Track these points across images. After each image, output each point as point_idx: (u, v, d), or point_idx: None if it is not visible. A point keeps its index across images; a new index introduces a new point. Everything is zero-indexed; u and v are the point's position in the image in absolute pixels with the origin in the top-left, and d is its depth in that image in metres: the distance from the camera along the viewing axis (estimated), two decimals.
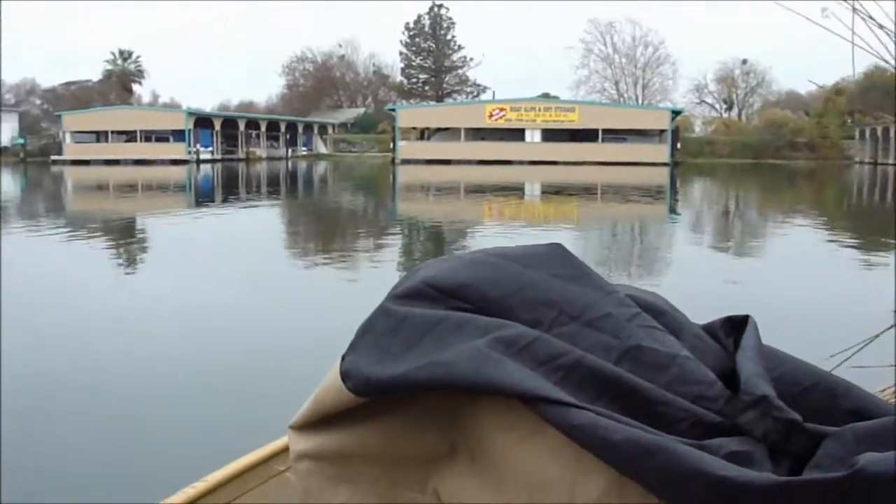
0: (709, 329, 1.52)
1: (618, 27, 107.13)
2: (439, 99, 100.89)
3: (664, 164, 69.22)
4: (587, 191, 37.06)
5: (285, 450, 1.77)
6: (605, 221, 22.65)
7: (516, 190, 38.68)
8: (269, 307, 10.37)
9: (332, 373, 1.43)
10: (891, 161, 76.94)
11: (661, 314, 1.47)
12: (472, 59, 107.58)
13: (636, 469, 1.18)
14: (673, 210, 28.12)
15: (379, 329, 1.41)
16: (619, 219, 23.81)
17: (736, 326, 1.50)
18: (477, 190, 37.22)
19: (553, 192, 36.72)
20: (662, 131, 74.75)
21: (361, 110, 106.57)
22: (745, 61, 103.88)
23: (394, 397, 1.37)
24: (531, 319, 1.37)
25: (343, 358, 1.43)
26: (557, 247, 1.52)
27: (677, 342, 1.40)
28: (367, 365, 1.36)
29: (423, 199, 32.87)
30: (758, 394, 1.27)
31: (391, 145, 76.59)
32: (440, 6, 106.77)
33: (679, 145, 75.58)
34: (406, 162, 70.56)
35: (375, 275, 12.93)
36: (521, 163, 69.38)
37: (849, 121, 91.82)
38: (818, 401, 1.37)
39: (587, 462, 1.21)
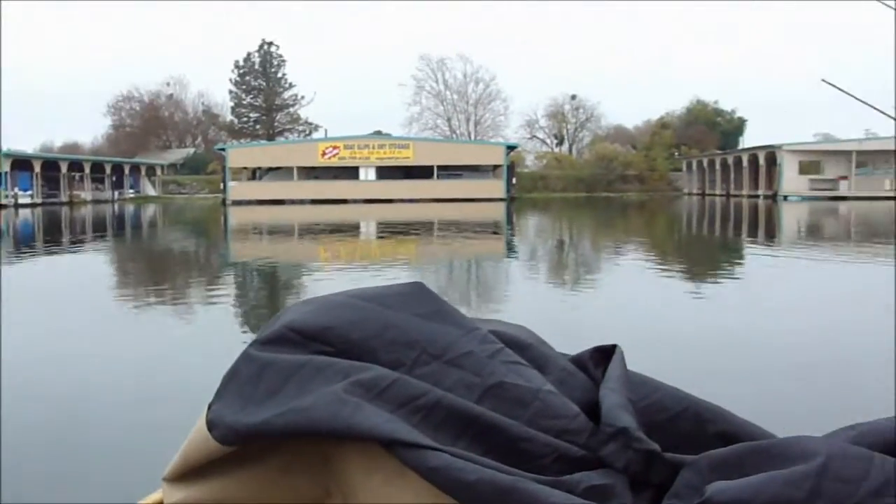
0: (577, 360, 1.54)
1: (449, 64, 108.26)
2: (271, 138, 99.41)
3: (500, 200, 69.61)
4: (424, 228, 36.40)
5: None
6: (443, 259, 21.88)
7: (352, 229, 37.70)
8: (99, 354, 9.27)
9: (199, 422, 1.43)
10: (717, 192, 79.65)
11: (526, 348, 1.49)
12: (303, 98, 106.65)
13: None
14: (510, 246, 27.62)
15: (242, 376, 1.42)
16: (456, 256, 23.08)
17: (605, 356, 1.52)
18: (311, 230, 36.10)
19: (389, 230, 35.88)
20: (497, 167, 75.14)
21: (191, 150, 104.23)
22: (574, 97, 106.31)
23: (261, 443, 1.38)
24: (393, 360, 1.40)
25: (209, 407, 1.43)
26: (418, 285, 1.55)
27: (541, 377, 1.41)
28: (231, 414, 1.37)
29: (255, 241, 31.50)
30: (618, 425, 1.30)
31: (221, 186, 74.71)
32: (270, 44, 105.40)
33: (515, 180, 76.12)
34: (237, 203, 68.98)
35: (205, 320, 11.89)
36: (355, 201, 68.65)
37: (675, 153, 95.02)
38: (687, 427, 1.40)
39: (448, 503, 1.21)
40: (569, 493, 1.20)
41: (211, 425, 1.39)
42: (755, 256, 23.17)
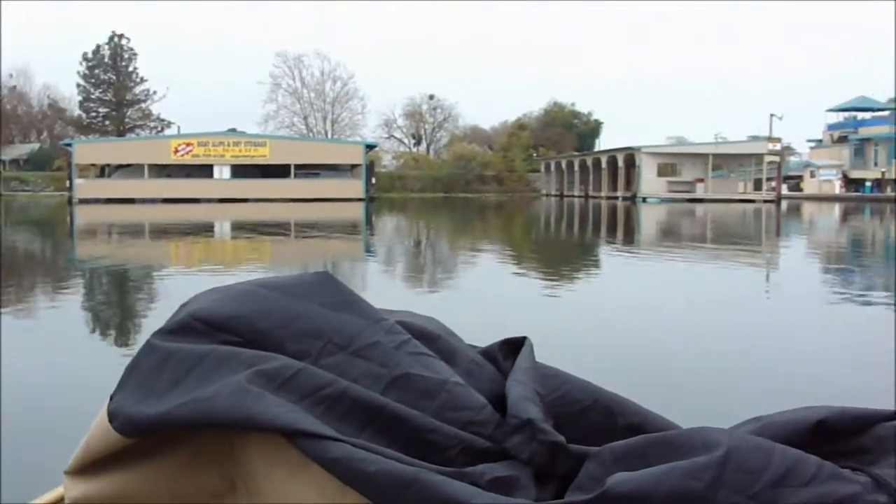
0: (487, 353, 1.54)
1: (306, 61, 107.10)
2: (121, 134, 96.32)
3: (359, 200, 68.86)
4: (281, 229, 35.44)
5: (62, 499, 1.60)
6: (300, 261, 21.08)
7: (206, 229, 36.43)
8: None
9: (100, 413, 1.40)
10: (576, 193, 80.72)
11: (434, 339, 1.50)
12: (155, 93, 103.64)
13: (391, 501, 1.19)
14: (369, 247, 26.97)
15: (144, 367, 1.40)
16: (314, 258, 22.29)
17: (515, 348, 1.54)
18: (163, 230, 34.57)
19: (245, 230, 34.76)
20: (355, 166, 74.31)
21: (35, 146, 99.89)
22: (431, 97, 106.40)
23: (166, 435, 1.36)
24: (299, 350, 1.39)
25: (111, 398, 1.41)
26: (325, 275, 1.54)
27: (448, 368, 1.42)
28: (132, 404, 1.35)
29: (104, 242, 29.99)
30: (523, 417, 1.31)
31: (67, 183, 71.55)
32: (120, 36, 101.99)
33: (374, 180, 75.44)
34: (85, 201, 66.15)
35: (47, 325, 10.91)
36: (209, 200, 66.58)
37: (533, 154, 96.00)
38: (597, 419, 1.42)
39: (351, 495, 1.22)
40: (472, 485, 1.20)
41: (111, 416, 1.35)
42: (609, 257, 23.17)
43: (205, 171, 71.81)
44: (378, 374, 1.36)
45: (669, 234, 33.26)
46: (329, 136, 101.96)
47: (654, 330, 10.16)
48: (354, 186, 72.46)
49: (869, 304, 12.47)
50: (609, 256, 23.54)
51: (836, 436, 1.31)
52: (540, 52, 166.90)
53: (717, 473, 1.14)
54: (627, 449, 1.26)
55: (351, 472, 1.19)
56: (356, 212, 52.17)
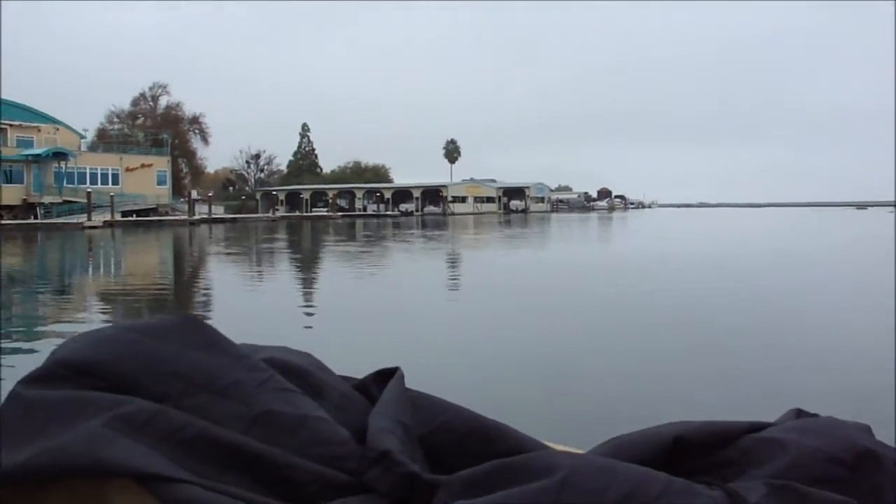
0: (361, 385, 1.58)
1: None
2: None
3: None
4: None
5: None
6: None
7: None
8: None
9: None
10: None
11: (303, 375, 1.52)
12: None
13: None
14: None
15: (8, 416, 1.34)
16: None
17: (388, 380, 1.56)
18: None
19: None
20: None
21: None
22: None
23: (40, 484, 1.29)
24: (160, 393, 1.36)
25: None
26: (189, 318, 1.52)
27: (313, 403, 1.44)
28: (3, 455, 1.29)
29: None
30: (380, 449, 1.30)
31: None
32: None
33: None
34: None
35: None
36: None
37: None
38: (475, 446, 1.44)
39: None
40: None
41: None
42: None
43: None
44: (240, 413, 1.34)
45: None
46: None
47: None
48: None
49: None
50: None
51: (697, 451, 1.32)
52: None
53: (556, 497, 1.12)
54: (474, 476, 1.24)
55: None
56: None
